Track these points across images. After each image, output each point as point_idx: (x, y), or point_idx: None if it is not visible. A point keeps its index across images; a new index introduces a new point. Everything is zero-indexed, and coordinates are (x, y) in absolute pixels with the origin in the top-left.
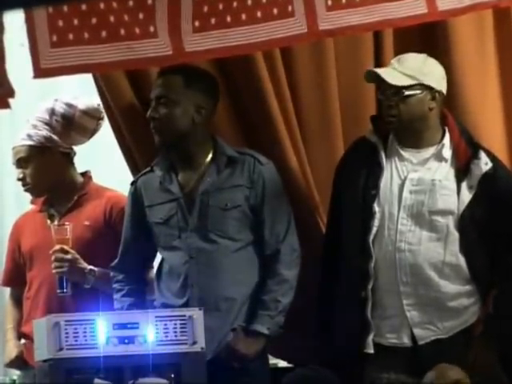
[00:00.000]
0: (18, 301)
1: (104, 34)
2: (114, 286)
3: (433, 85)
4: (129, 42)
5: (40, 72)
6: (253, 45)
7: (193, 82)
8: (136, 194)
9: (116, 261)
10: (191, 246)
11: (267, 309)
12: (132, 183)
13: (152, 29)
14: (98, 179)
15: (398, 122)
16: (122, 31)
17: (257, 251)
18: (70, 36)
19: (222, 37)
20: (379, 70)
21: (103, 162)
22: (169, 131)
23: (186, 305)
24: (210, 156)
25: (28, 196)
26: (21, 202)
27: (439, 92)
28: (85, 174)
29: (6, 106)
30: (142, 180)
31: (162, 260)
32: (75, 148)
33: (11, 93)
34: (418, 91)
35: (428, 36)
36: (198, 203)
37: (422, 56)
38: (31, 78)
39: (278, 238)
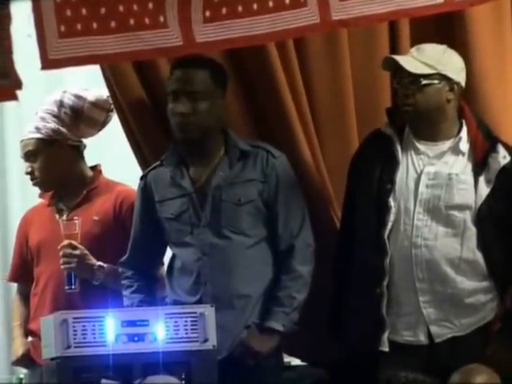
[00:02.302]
0: (25, 297)
1: (113, 24)
2: (124, 282)
3: (451, 75)
4: (138, 32)
5: (48, 63)
6: (264, 35)
7: (216, 75)
8: (146, 188)
9: (125, 257)
10: (204, 243)
11: (282, 305)
12: (141, 178)
13: (162, 19)
14: (108, 173)
15: (414, 112)
16: (132, 21)
17: (270, 247)
18: (79, 26)
19: (233, 27)
20: (397, 57)
21: (113, 155)
22: (197, 127)
23: (199, 302)
24: (222, 150)
25: (34, 190)
26: (26, 196)
27: (457, 83)
28: (95, 168)
29: (14, 97)
30: (152, 174)
31: (174, 256)
32: (85, 141)
33: (19, 84)
34: (436, 81)
35: (445, 27)
36: (210, 198)
37: (442, 47)
38: (38, 70)
39: (292, 232)
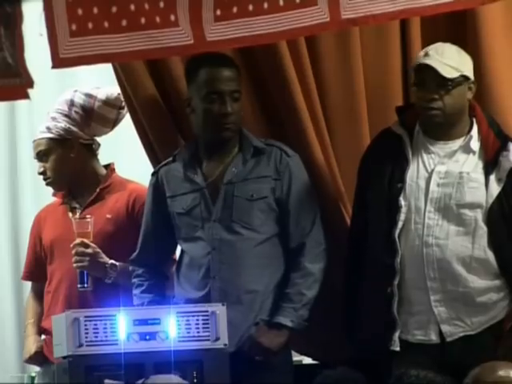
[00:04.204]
0: (38, 295)
1: (124, 22)
2: (134, 280)
3: (469, 75)
4: (149, 31)
5: (59, 62)
6: (275, 34)
7: (239, 74)
8: (157, 184)
9: (135, 254)
10: (214, 237)
11: (290, 301)
12: (153, 174)
13: (173, 17)
14: (121, 171)
15: (443, 115)
16: (143, 20)
17: (281, 244)
18: (90, 25)
19: (244, 26)
20: (433, 63)
21: (126, 154)
22: (235, 127)
23: (206, 296)
24: (237, 147)
25: (46, 189)
26: (39, 195)
27: (474, 82)
28: (108, 166)
29: (26, 96)
30: (164, 170)
31: (182, 252)
32: (100, 140)
33: (30, 83)
34: (461, 83)
35: (457, 25)
36: (222, 193)
37: (454, 46)
38: (50, 68)
39: (303, 231)
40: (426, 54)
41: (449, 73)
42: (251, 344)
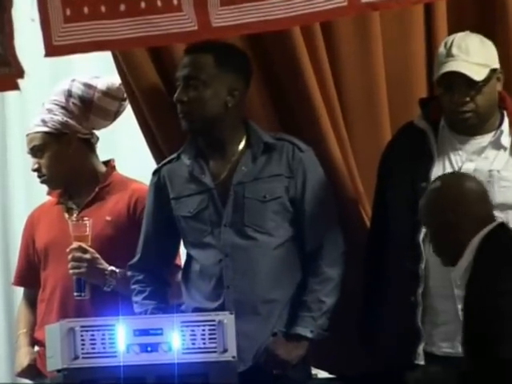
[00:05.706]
0: (32, 303)
1: (123, 7)
2: (134, 286)
3: (497, 65)
4: (150, 16)
5: (52, 49)
6: (287, 19)
7: (225, 61)
8: (160, 184)
9: (135, 259)
10: (226, 243)
11: (309, 310)
12: (154, 172)
13: (175, 2)
14: (122, 168)
15: (477, 117)
16: (143, 4)
17: (297, 248)
18: (86, 10)
19: (253, 10)
20: (460, 68)
21: (127, 149)
22: (199, 116)
23: (220, 308)
24: (244, 142)
25: (39, 187)
26: (31, 194)
27: (501, 71)
28: (108, 163)
29: (15, 87)
30: (167, 169)
31: (190, 259)
32: (97, 133)
33: (21, 73)
34: (490, 78)
35: (484, 10)
36: (232, 195)
37: (476, 36)
38: (43, 57)
39: (320, 232)
40: (450, 55)
41: (478, 73)
42: (268, 357)
